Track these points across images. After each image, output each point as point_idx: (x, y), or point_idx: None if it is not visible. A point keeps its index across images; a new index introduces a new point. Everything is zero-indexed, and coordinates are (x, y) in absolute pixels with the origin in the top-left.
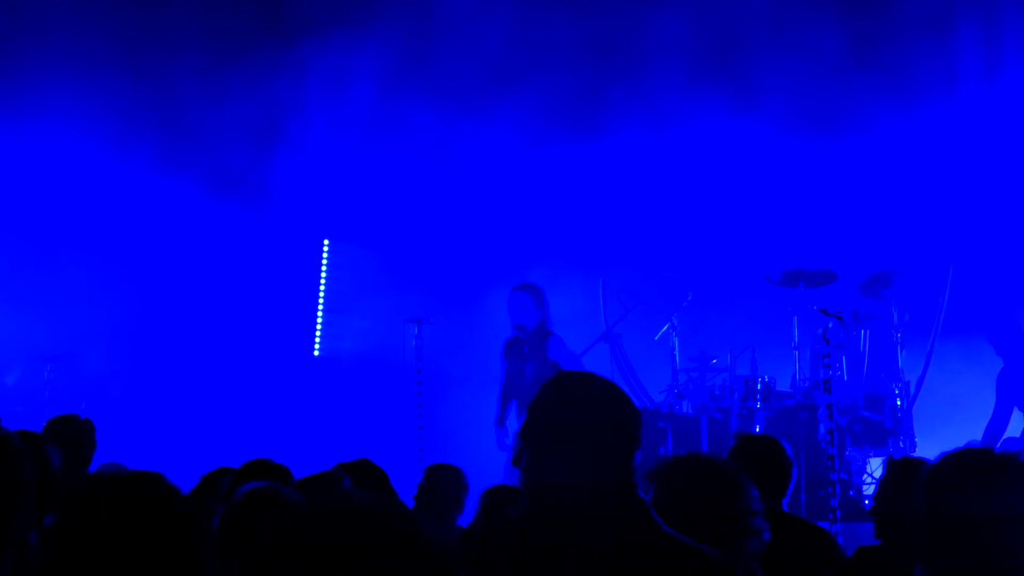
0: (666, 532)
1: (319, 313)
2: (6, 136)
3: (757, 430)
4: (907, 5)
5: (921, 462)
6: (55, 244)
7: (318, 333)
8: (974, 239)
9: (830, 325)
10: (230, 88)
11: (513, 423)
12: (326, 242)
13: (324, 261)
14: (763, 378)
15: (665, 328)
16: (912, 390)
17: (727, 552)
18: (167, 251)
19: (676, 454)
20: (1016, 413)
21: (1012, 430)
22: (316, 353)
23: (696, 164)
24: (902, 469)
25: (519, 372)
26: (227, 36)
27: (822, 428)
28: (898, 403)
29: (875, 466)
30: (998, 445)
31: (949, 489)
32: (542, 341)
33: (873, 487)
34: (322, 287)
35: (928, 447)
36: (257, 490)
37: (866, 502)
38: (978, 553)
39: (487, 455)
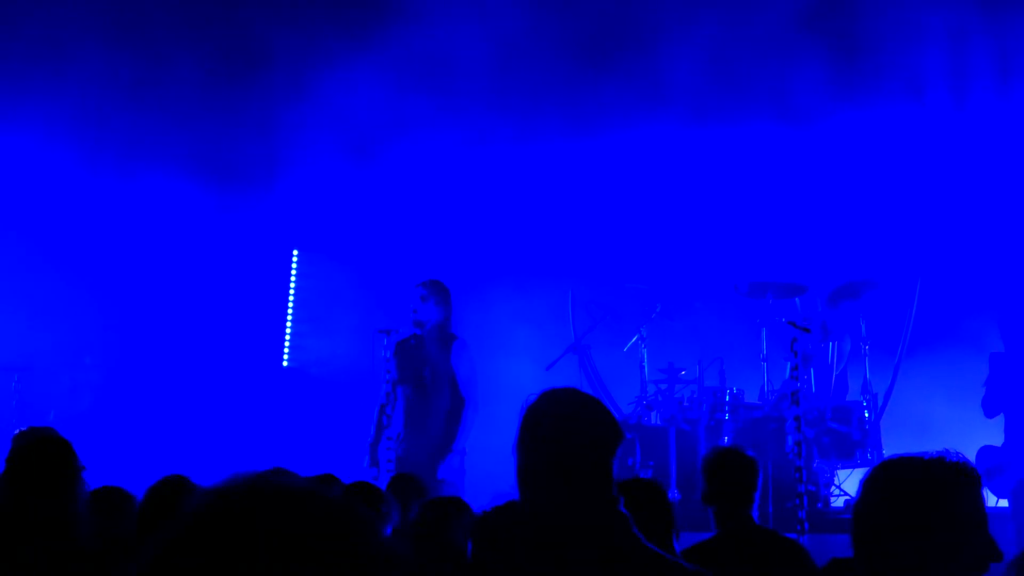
0: (647, 547)
1: (288, 324)
2: None
3: (725, 441)
4: (880, 17)
5: None
6: (22, 253)
7: (287, 344)
8: (942, 253)
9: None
10: (200, 100)
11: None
12: (295, 252)
13: (293, 271)
14: (731, 390)
15: (634, 340)
16: (880, 402)
17: None
18: (136, 260)
19: None
20: (998, 420)
21: (992, 438)
22: (285, 364)
23: (665, 175)
24: None
25: (413, 377)
26: (203, 42)
27: (790, 440)
28: (866, 415)
29: (843, 478)
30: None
31: (880, 493)
32: (444, 344)
33: (843, 499)
34: (291, 297)
35: None
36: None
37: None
38: (904, 556)
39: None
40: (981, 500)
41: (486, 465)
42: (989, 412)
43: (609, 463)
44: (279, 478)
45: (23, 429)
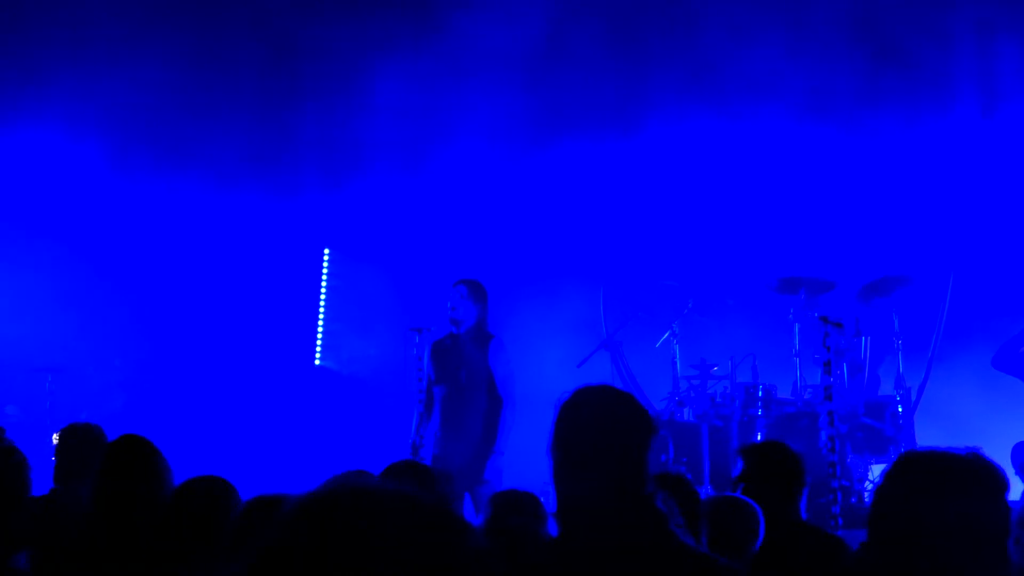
0: (683, 543)
1: (320, 322)
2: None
3: (758, 437)
4: (913, 16)
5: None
6: (54, 253)
7: (319, 342)
8: (975, 248)
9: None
10: (229, 100)
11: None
12: (327, 251)
13: (325, 270)
14: (764, 385)
15: (666, 336)
16: (913, 397)
17: None
18: (168, 260)
19: None
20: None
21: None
22: (317, 363)
23: (697, 171)
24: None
25: (450, 376)
26: (230, 40)
27: (823, 435)
28: (899, 410)
29: (876, 473)
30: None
31: (902, 487)
32: (481, 343)
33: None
34: (323, 296)
35: None
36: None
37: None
38: (921, 552)
39: None
40: (1002, 510)
41: (518, 463)
42: (998, 363)
43: (643, 458)
44: (375, 482)
45: (66, 426)
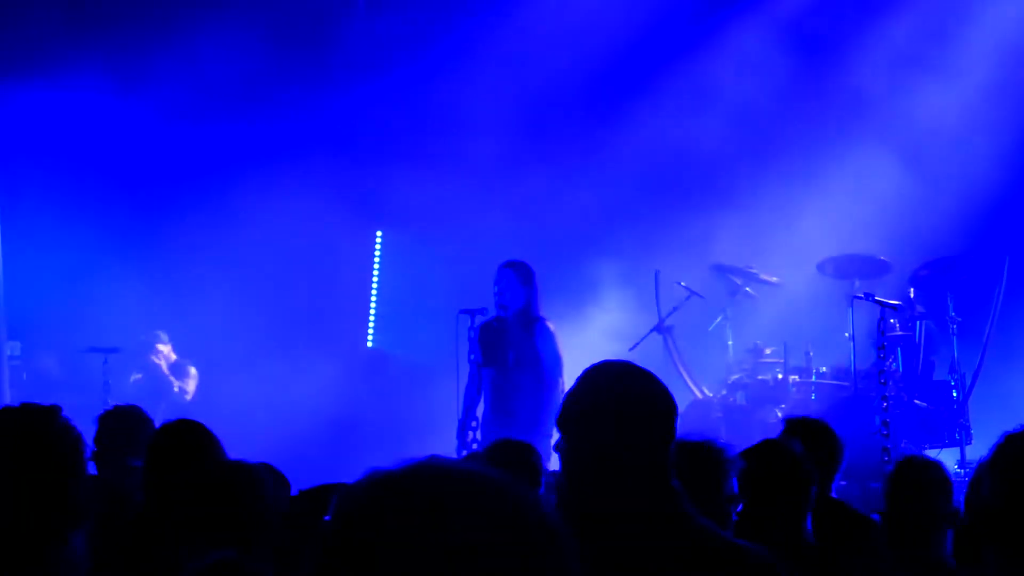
0: (700, 524)
1: (372, 304)
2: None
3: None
4: None
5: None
6: (107, 234)
7: (371, 324)
8: None
9: (883, 316)
10: (283, 77)
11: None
12: (379, 233)
13: (377, 252)
14: (817, 370)
15: (718, 320)
16: (968, 381)
17: None
18: (221, 242)
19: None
20: None
21: None
22: (369, 344)
23: (747, 156)
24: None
25: (497, 359)
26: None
27: (876, 420)
28: (953, 395)
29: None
30: None
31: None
32: (528, 326)
33: None
34: (375, 278)
35: (984, 439)
36: None
37: None
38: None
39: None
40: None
41: None
42: None
43: (657, 436)
44: (442, 462)
45: (108, 408)
